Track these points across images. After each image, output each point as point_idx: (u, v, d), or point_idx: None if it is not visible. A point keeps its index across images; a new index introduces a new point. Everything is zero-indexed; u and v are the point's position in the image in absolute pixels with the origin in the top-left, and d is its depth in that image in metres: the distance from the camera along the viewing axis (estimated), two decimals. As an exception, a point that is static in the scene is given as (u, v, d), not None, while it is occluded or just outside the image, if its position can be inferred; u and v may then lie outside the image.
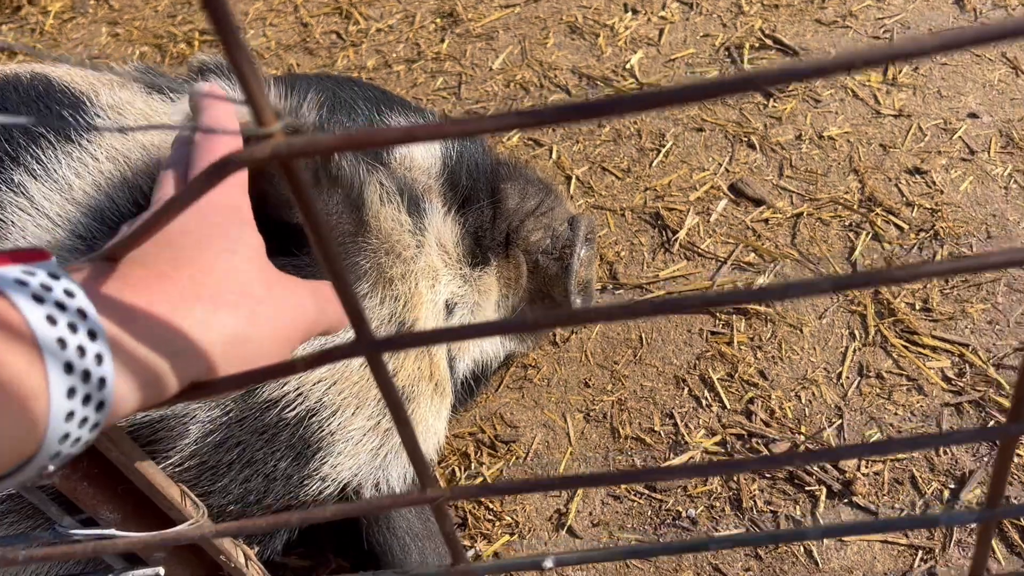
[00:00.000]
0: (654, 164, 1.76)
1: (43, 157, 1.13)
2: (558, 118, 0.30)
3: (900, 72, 1.78)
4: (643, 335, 1.52)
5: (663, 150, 1.78)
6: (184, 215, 0.68)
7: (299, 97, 1.21)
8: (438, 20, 2.18)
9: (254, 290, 0.62)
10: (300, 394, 1.04)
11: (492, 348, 1.37)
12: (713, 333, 1.49)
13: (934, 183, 1.60)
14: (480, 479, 1.37)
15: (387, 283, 1.09)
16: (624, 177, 1.76)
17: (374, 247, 1.08)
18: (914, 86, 1.76)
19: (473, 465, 1.39)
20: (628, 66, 1.94)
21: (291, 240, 0.97)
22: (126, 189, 1.12)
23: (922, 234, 1.54)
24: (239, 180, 0.74)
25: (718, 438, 1.35)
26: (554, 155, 1.83)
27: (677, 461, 1.33)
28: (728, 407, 1.39)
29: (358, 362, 1.07)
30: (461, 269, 1.25)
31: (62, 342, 0.44)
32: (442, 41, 2.13)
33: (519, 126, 0.31)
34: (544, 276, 1.32)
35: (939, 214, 1.56)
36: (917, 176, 1.62)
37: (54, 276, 0.46)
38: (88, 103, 1.23)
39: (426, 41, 2.14)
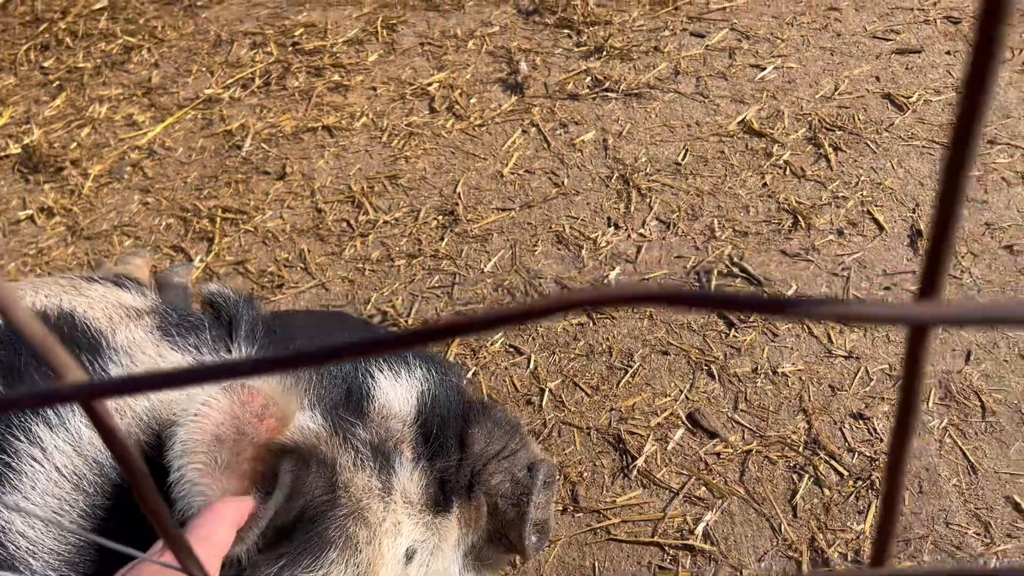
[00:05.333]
0: (621, 384, 1.91)
1: (60, 407, 1.29)
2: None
3: (853, 312, 1.93)
4: (596, 563, 1.63)
5: (630, 370, 1.92)
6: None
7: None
8: (440, 217, 2.38)
9: None
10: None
11: (451, 578, 1.49)
12: (661, 568, 1.60)
13: (875, 430, 1.73)
14: None
15: (353, 549, 1.22)
16: (593, 394, 1.90)
17: (343, 516, 1.22)
18: (866, 328, 1.91)
19: None
20: (606, 282, 2.11)
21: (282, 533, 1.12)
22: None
23: (859, 483, 1.66)
24: (219, 541, 0.89)
25: None
26: (531, 364, 1.98)
27: None
28: (668, 646, 1.49)
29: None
30: (424, 516, 1.38)
31: None
32: (442, 239, 2.32)
33: None
34: (502, 519, 1.45)
35: (877, 463, 1.68)
36: (860, 421, 1.76)
37: None
38: (104, 344, 1.39)
39: (427, 237, 2.33)
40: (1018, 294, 1.91)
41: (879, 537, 0.47)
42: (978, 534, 1.57)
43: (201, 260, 2.39)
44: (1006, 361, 1.81)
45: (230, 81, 2.99)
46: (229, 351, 1.46)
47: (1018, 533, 1.56)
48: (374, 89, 2.84)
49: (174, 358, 1.40)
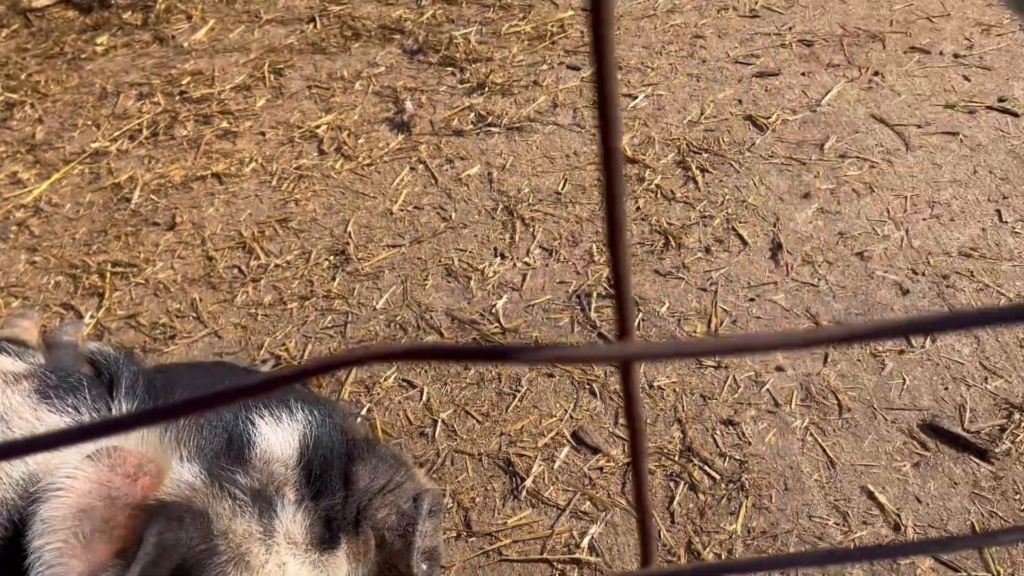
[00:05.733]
0: (510, 408, 1.99)
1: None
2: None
3: (721, 324, 2.07)
4: (489, 584, 1.70)
5: (519, 394, 2.01)
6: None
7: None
8: (331, 258, 2.43)
9: None
10: None
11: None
12: (549, 583, 1.68)
13: (744, 435, 1.85)
14: None
15: (235, 594, 1.26)
16: (484, 421, 1.98)
17: (223, 562, 1.26)
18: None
19: None
20: (494, 310, 2.20)
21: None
22: (4, 509, 1.28)
23: (731, 485, 1.78)
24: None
25: None
26: (424, 396, 2.05)
27: None
28: (558, 658, 1.57)
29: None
30: (310, 555, 1.43)
31: None
32: (333, 279, 2.37)
33: None
34: (390, 551, 1.50)
35: (746, 466, 1.80)
36: (730, 427, 1.87)
37: None
38: (-21, 410, 1.39)
39: (319, 279, 2.38)
40: (869, 297, 2.07)
41: (641, 540, 0.55)
42: (837, 524, 1.70)
43: (91, 316, 2.38)
44: (859, 360, 1.95)
45: (117, 133, 2.99)
46: (110, 409, 1.48)
47: (872, 520, 1.69)
48: (263, 134, 2.88)
49: (52, 420, 1.41)
